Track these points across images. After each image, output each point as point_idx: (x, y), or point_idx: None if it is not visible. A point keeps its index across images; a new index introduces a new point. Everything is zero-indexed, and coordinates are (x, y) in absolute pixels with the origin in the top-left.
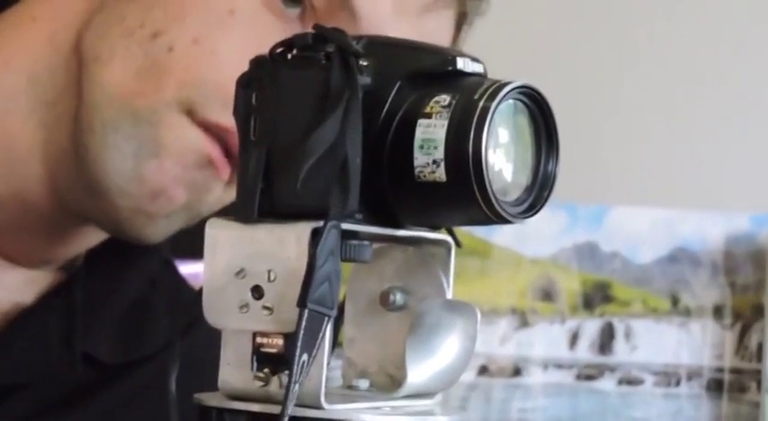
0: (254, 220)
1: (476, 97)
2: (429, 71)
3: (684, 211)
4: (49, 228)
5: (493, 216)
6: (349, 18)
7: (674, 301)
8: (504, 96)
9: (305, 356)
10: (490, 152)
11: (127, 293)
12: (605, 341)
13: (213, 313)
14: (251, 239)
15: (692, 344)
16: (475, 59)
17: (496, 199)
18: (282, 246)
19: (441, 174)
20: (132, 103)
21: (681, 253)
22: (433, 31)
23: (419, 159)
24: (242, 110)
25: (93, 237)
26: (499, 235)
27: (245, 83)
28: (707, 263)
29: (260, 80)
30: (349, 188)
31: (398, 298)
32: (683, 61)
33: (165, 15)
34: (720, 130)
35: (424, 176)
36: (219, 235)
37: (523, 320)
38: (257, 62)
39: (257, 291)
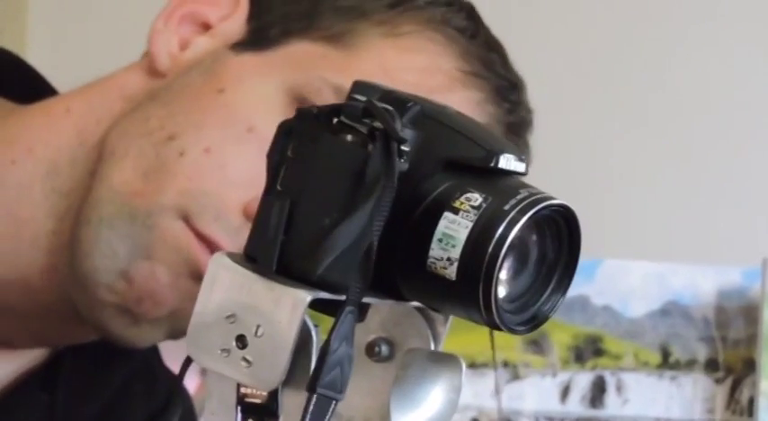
0: (269, 275)
1: (506, 208)
2: (469, 162)
3: (676, 265)
4: (47, 317)
5: (489, 324)
6: None
7: (666, 355)
8: (535, 213)
9: None
10: (504, 267)
11: (111, 384)
12: (596, 394)
13: (195, 348)
14: (249, 289)
15: (683, 398)
16: (519, 158)
17: (498, 311)
18: (277, 308)
19: (452, 272)
20: (132, 202)
21: (672, 306)
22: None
23: (435, 251)
24: (276, 156)
25: (88, 334)
26: None
27: (286, 130)
28: (698, 317)
29: (300, 134)
30: (369, 274)
31: (384, 349)
32: (674, 116)
33: (186, 121)
34: (712, 184)
35: (435, 269)
36: (220, 273)
37: (515, 373)
38: (301, 113)
39: (241, 341)
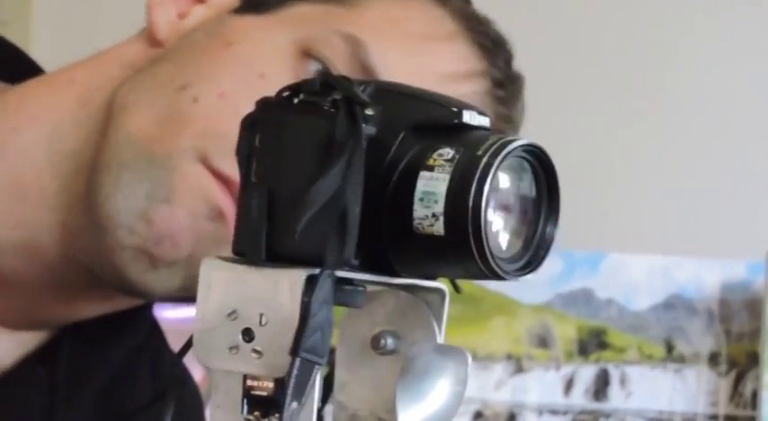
0: (260, 263)
1: (479, 153)
2: (434, 122)
3: (680, 258)
4: (53, 284)
5: (488, 272)
6: None
7: (670, 348)
8: (508, 154)
9: (294, 404)
10: (490, 210)
11: (112, 362)
12: (600, 387)
13: (203, 353)
14: (245, 282)
15: (686, 391)
16: (482, 113)
17: (493, 256)
18: (276, 292)
19: (439, 227)
20: (150, 147)
21: (676, 300)
22: (461, 96)
23: (418, 211)
24: (244, 150)
25: (94, 307)
26: (495, 281)
27: (249, 124)
28: (702, 310)
29: (264, 122)
30: (346, 238)
31: (389, 342)
32: (678, 110)
33: (197, 72)
34: (717, 178)
35: (423, 229)
36: (214, 275)
37: (519, 366)
38: (263, 104)
39: (248, 334)
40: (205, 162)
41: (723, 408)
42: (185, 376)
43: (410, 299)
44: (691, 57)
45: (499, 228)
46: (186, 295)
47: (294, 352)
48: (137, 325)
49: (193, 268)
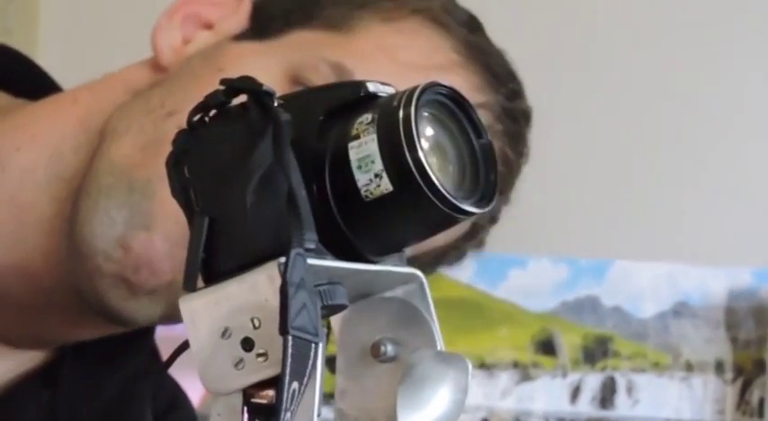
0: (232, 274)
1: (395, 105)
2: (344, 102)
3: (686, 266)
4: (50, 306)
5: (449, 210)
6: None
7: (676, 356)
8: (421, 94)
9: (295, 384)
10: (426, 148)
11: (112, 386)
12: (607, 395)
13: (212, 382)
14: (225, 297)
15: (693, 398)
16: (385, 83)
17: (447, 190)
18: (257, 291)
19: (386, 184)
20: (131, 172)
21: (682, 307)
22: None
23: (361, 179)
24: (178, 186)
25: (92, 330)
26: (501, 288)
27: (173, 162)
28: (709, 318)
29: (186, 152)
30: (301, 216)
31: (390, 349)
32: (685, 118)
33: (185, 98)
34: (723, 186)
35: (371, 193)
36: (194, 306)
37: (525, 374)
38: (178, 137)
39: (247, 343)
40: None
41: (730, 416)
42: (181, 399)
43: (409, 306)
44: (697, 66)
45: (441, 167)
46: (173, 321)
47: (283, 330)
48: (138, 350)
49: (176, 296)
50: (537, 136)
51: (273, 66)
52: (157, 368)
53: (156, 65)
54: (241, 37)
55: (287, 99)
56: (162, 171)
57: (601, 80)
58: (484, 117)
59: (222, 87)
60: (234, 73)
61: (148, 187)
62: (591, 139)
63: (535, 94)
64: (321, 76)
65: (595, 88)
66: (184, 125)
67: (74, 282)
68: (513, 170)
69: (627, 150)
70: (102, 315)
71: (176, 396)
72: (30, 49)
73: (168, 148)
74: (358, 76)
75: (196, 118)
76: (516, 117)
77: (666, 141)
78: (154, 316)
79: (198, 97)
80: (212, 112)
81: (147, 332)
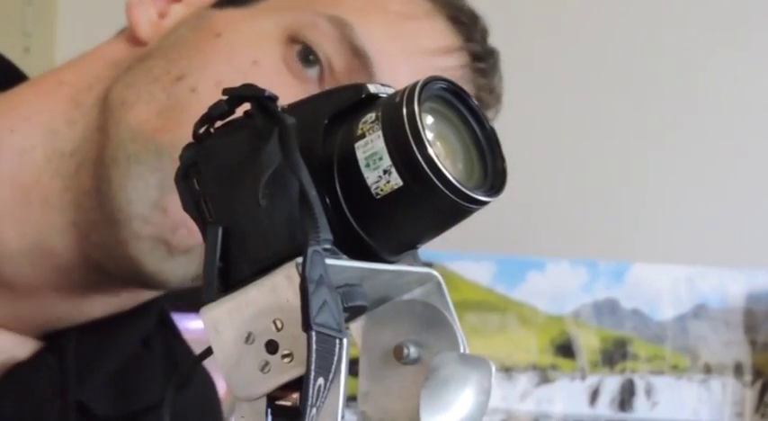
0: (250, 280)
1: (397, 101)
2: (347, 105)
3: (705, 268)
4: (62, 286)
5: (461, 199)
6: (365, 74)
7: (695, 359)
8: (422, 89)
9: (320, 380)
10: (432, 140)
11: (119, 351)
12: (626, 397)
13: (240, 388)
14: (246, 302)
15: (712, 401)
16: (385, 85)
17: (457, 180)
18: (277, 293)
19: (395, 179)
20: (155, 138)
21: (701, 310)
22: (446, 69)
23: (370, 177)
24: (189, 200)
25: (99, 307)
26: (520, 291)
27: (182, 176)
28: (727, 320)
29: (194, 165)
30: (315, 215)
31: (413, 351)
32: (704, 120)
33: (190, 64)
34: (741, 188)
35: (382, 190)
36: (215, 315)
37: (544, 377)
38: (186, 151)
39: (271, 345)
40: None
41: (749, 419)
42: (201, 376)
43: (432, 309)
44: (713, 69)
45: (449, 158)
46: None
47: (306, 326)
48: (142, 318)
49: None
50: (557, 140)
51: (271, 27)
52: (168, 333)
53: (133, 39)
54: (220, 5)
55: (290, 107)
56: (185, 133)
57: (624, 84)
58: (464, 58)
59: (225, 97)
60: (233, 36)
61: (175, 150)
62: (610, 143)
63: (553, 98)
64: (320, 32)
65: (613, 91)
66: (197, 88)
67: (98, 253)
68: (498, 98)
69: (646, 154)
70: (135, 280)
71: (196, 371)
72: (47, 51)
73: (186, 112)
74: (357, 29)
75: (201, 130)
76: (491, 54)
77: (685, 144)
78: (187, 276)
79: (203, 61)
80: (217, 123)
81: (152, 301)
